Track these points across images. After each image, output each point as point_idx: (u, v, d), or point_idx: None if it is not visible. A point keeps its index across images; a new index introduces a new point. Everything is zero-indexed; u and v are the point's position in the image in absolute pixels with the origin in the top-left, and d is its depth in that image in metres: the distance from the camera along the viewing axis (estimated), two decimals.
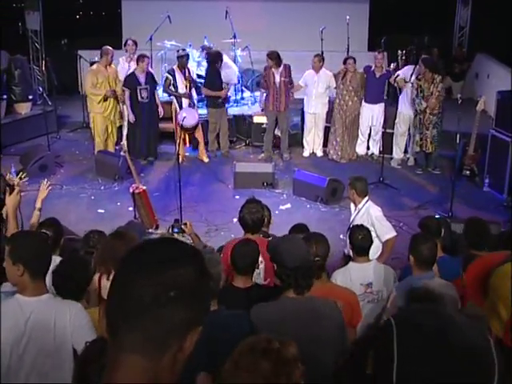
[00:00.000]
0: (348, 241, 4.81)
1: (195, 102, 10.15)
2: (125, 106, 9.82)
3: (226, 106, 10.56)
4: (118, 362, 1.18)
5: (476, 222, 5.18)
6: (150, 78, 9.79)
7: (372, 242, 4.77)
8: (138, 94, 9.67)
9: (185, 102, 9.92)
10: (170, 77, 9.84)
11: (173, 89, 9.87)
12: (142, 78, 9.66)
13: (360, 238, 4.64)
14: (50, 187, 4.96)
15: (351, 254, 4.88)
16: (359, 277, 4.58)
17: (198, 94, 10.44)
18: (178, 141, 8.84)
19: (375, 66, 9.94)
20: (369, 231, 4.75)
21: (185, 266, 1.19)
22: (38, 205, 4.77)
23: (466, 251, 5.01)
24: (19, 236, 3.39)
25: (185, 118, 8.88)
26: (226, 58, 10.77)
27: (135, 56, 9.95)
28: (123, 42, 10.35)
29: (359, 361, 1.53)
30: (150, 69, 9.93)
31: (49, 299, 3.13)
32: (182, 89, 9.84)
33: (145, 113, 9.80)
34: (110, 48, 9.80)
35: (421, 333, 1.20)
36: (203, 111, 10.62)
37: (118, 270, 1.23)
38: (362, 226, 4.85)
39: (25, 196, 4.73)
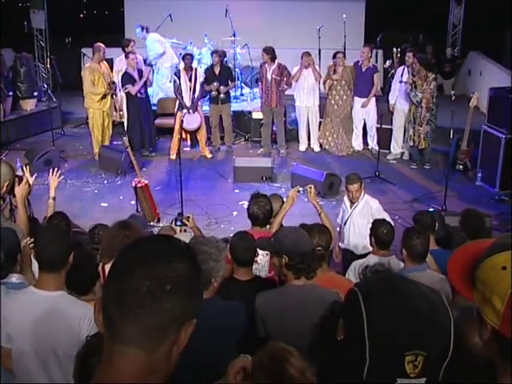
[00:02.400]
0: (369, 233, 4.78)
1: (199, 103, 10.17)
2: (123, 102, 10.03)
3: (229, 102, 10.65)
4: (114, 354, 1.19)
5: (473, 214, 5.20)
6: (142, 74, 9.91)
7: (394, 236, 4.75)
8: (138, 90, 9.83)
9: (187, 101, 9.97)
10: (178, 80, 9.95)
11: (178, 95, 9.99)
12: (135, 75, 9.80)
13: (385, 233, 4.64)
14: (60, 176, 5.07)
15: (370, 247, 4.89)
16: None
17: (205, 93, 10.54)
18: (174, 137, 8.93)
19: (361, 59, 10.16)
20: (391, 226, 4.79)
21: (179, 261, 1.22)
22: (52, 194, 4.87)
23: (462, 243, 5.09)
24: (42, 227, 3.52)
25: (186, 120, 8.96)
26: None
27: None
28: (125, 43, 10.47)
29: (330, 331, 1.63)
30: (141, 65, 10.14)
31: (61, 297, 3.07)
32: (185, 90, 9.89)
33: (142, 108, 10.00)
34: (102, 44, 9.91)
35: (384, 294, 1.33)
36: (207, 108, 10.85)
37: (115, 263, 1.25)
38: (384, 220, 4.87)
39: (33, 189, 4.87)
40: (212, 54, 10.41)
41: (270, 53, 9.95)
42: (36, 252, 3.13)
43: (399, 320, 1.28)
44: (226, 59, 11.34)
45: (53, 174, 5.02)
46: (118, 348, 1.19)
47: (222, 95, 10.27)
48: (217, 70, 10.24)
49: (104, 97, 9.91)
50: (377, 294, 1.34)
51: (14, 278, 3.30)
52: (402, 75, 9.75)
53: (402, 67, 9.83)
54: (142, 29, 11.28)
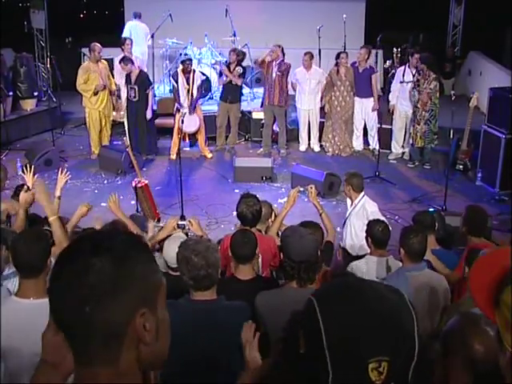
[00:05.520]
0: (365, 234, 4.79)
1: (197, 104, 10.15)
2: (122, 101, 10.05)
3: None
4: (82, 377, 1.19)
5: (477, 210, 5.21)
6: (143, 78, 9.85)
7: (390, 234, 4.75)
8: (128, 93, 9.85)
9: (185, 103, 9.96)
10: (175, 84, 9.95)
11: (177, 96, 10.00)
12: (133, 77, 9.76)
13: (380, 231, 4.64)
14: (68, 175, 5.03)
15: (367, 247, 4.85)
16: (375, 269, 4.58)
17: (205, 93, 10.51)
18: (175, 136, 8.87)
19: (358, 61, 10.16)
20: (386, 224, 4.78)
21: (97, 263, 1.16)
22: (58, 193, 4.82)
23: (463, 239, 5.02)
24: (19, 233, 3.46)
25: (184, 122, 8.92)
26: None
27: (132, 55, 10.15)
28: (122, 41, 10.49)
29: (292, 343, 1.59)
30: (139, 68, 10.09)
31: (46, 304, 2.97)
32: (182, 93, 9.88)
33: (133, 111, 9.93)
34: (98, 44, 9.88)
35: (338, 299, 1.28)
36: (211, 107, 10.86)
37: (51, 286, 1.23)
38: (378, 219, 4.88)
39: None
40: (230, 52, 10.36)
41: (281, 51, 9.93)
42: (13, 257, 3.04)
43: (356, 325, 1.23)
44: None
45: (62, 172, 4.99)
46: (83, 370, 1.19)
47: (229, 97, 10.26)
48: (232, 69, 10.27)
49: (96, 93, 9.89)
50: (331, 301, 1.28)
51: (6, 269, 3.39)
52: (403, 75, 9.73)
53: (403, 67, 9.81)
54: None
